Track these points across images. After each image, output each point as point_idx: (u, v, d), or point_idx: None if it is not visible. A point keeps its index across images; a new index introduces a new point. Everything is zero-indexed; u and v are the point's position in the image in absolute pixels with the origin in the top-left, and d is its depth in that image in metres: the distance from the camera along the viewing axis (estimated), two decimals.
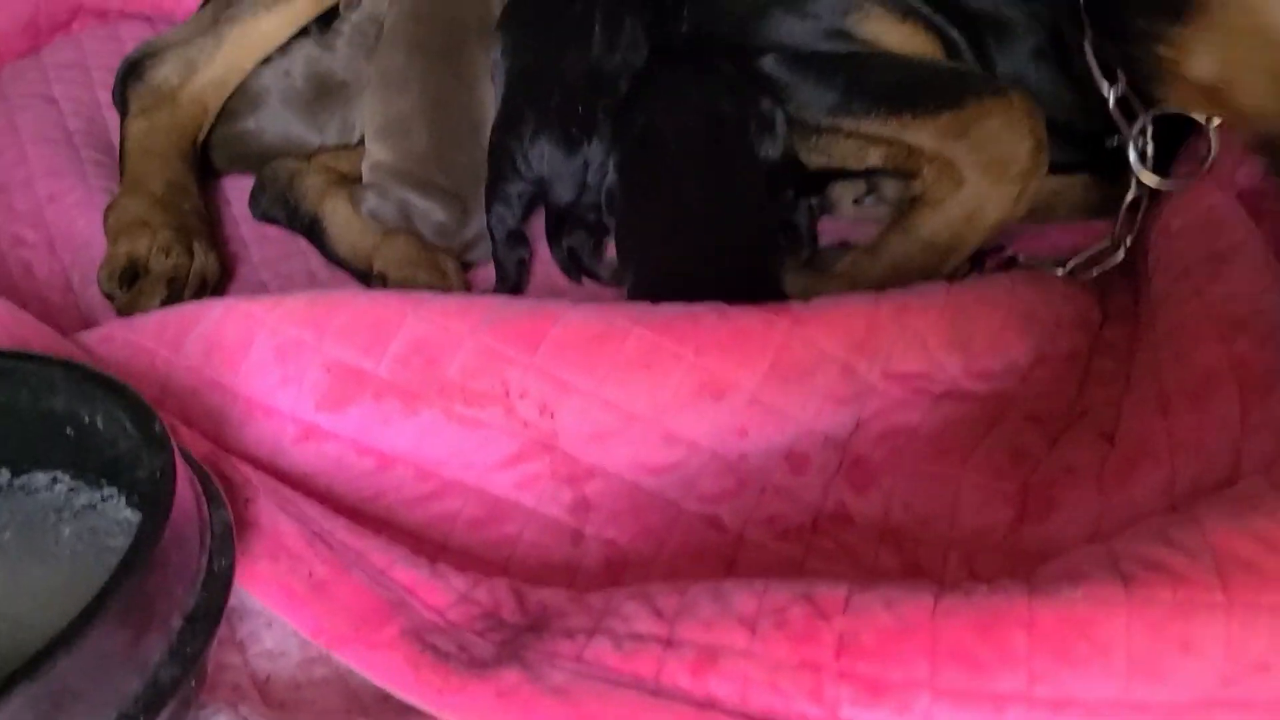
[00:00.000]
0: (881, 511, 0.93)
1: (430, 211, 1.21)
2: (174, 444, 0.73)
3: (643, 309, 0.97)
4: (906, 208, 1.14)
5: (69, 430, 0.78)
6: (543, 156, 1.19)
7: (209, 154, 1.35)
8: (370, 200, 1.21)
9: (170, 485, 0.69)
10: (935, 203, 1.11)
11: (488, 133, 1.24)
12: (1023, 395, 1.00)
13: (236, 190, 1.36)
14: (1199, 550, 0.70)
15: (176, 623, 0.67)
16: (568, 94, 1.20)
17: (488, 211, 1.21)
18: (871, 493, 0.94)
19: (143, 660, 0.65)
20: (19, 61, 1.53)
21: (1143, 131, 1.09)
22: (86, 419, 0.77)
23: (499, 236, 1.21)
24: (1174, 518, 0.75)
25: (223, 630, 0.88)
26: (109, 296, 1.16)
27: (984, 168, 1.09)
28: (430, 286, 1.14)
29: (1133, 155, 1.09)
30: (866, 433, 0.96)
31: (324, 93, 1.32)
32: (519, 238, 1.22)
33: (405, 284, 1.14)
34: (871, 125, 1.14)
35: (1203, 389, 0.90)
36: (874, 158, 1.17)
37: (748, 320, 0.95)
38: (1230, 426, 0.87)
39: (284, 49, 1.33)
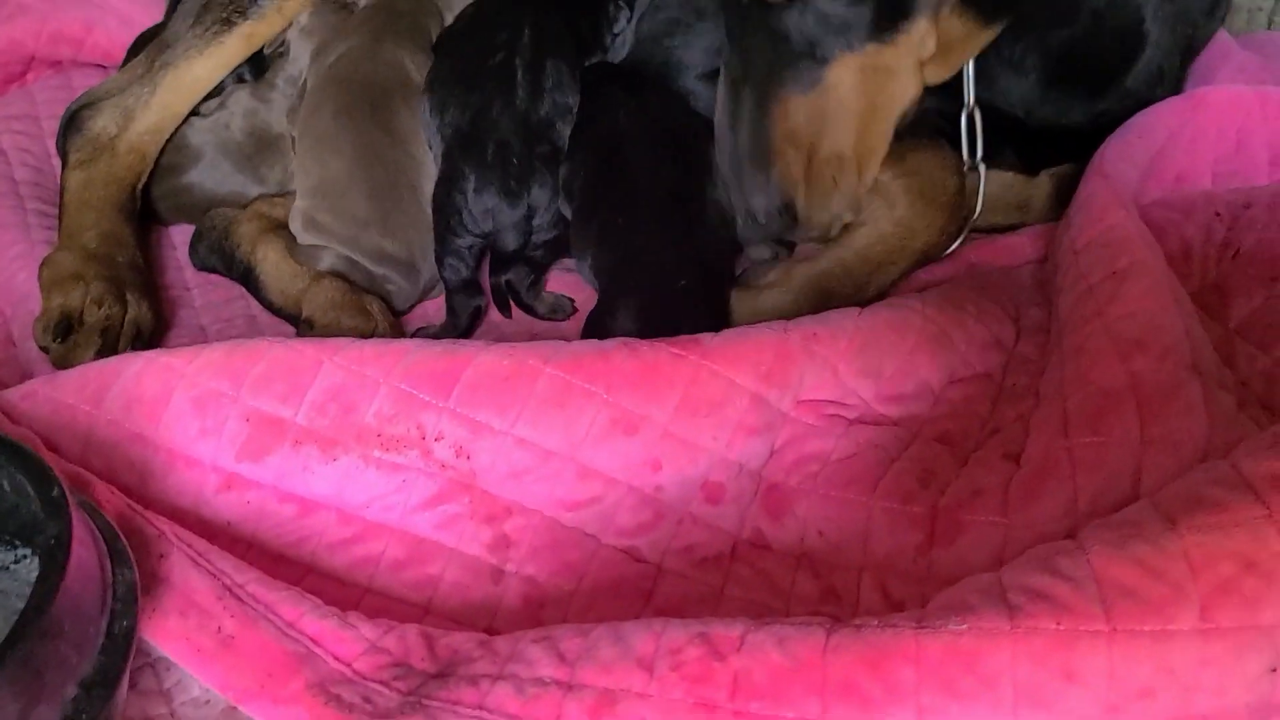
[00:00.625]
0: (797, 538, 0.93)
1: (386, 279, 1.21)
2: (72, 508, 0.72)
3: (553, 348, 0.96)
4: (842, 231, 1.13)
5: None
6: (487, 210, 1.18)
7: (153, 205, 1.35)
8: (306, 252, 1.21)
9: (64, 554, 0.68)
10: (870, 219, 1.13)
11: (426, 188, 1.23)
12: (934, 417, 1.00)
13: (182, 235, 1.36)
14: (1083, 579, 0.69)
15: (71, 691, 0.66)
16: (502, 147, 1.20)
17: (439, 265, 1.21)
18: (787, 519, 0.94)
19: None
20: None
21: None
22: None
23: (453, 287, 1.20)
24: (1062, 544, 0.74)
25: (148, 680, 0.87)
26: (44, 349, 1.15)
27: (917, 192, 1.13)
28: (356, 330, 1.13)
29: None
30: (780, 460, 0.96)
31: (263, 145, 1.32)
32: (473, 287, 1.22)
33: (330, 329, 1.13)
34: None
35: (1103, 408, 0.90)
36: None
37: (656, 356, 0.96)
38: (1130, 444, 0.87)
39: (222, 102, 1.34)
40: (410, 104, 1.26)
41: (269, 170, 1.32)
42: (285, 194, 1.31)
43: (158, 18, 1.48)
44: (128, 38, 1.52)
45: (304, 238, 1.21)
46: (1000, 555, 0.87)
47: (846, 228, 1.13)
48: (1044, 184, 1.24)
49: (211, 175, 1.32)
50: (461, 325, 1.20)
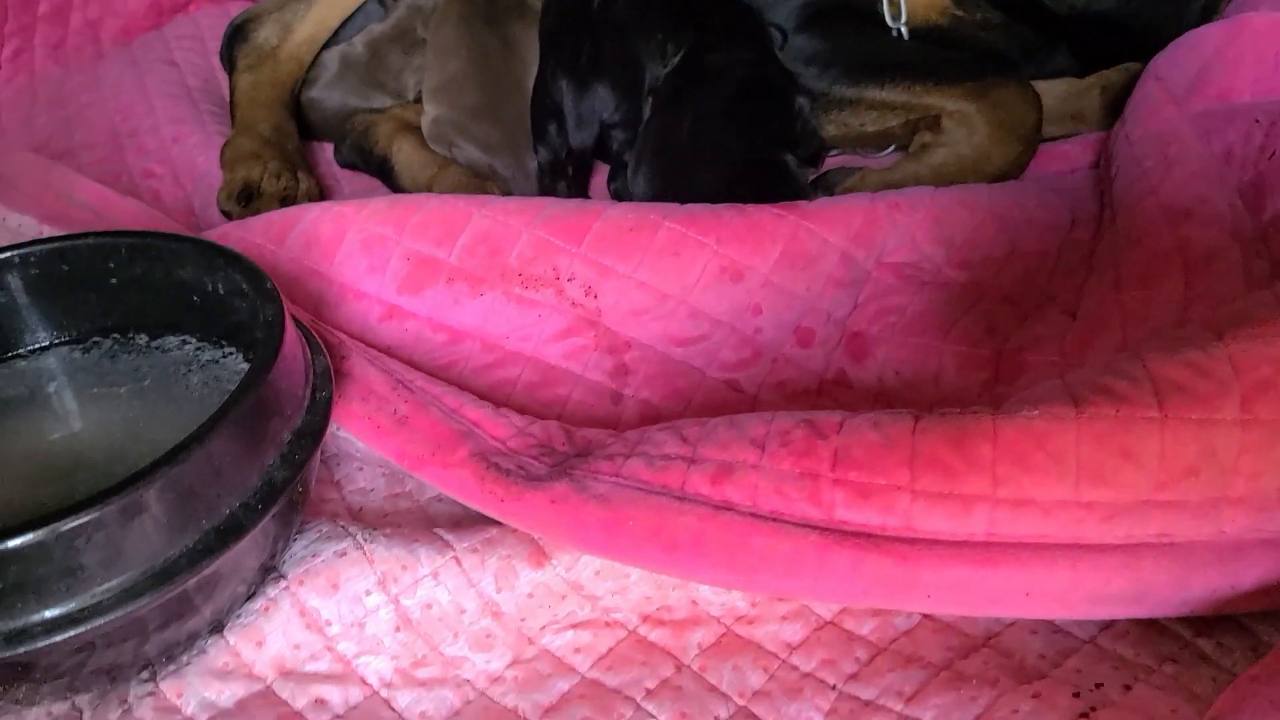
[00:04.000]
0: (875, 378, 0.97)
1: (493, 167, 1.22)
2: (283, 299, 0.77)
3: (672, 207, 0.99)
4: (918, 149, 1.15)
5: (196, 299, 0.82)
6: (562, 94, 1.19)
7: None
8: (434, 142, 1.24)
9: (280, 326, 0.74)
10: (950, 143, 1.12)
11: (529, 89, 1.25)
12: (997, 283, 1.02)
13: (324, 149, 1.38)
14: (1139, 377, 0.72)
15: (286, 436, 0.72)
16: (578, 40, 1.21)
17: (535, 150, 1.22)
18: (867, 362, 0.97)
19: (259, 463, 0.70)
20: (145, 35, 1.57)
21: None
22: (210, 287, 0.81)
23: (543, 167, 1.22)
24: (1120, 355, 0.78)
25: (321, 472, 0.93)
26: (226, 214, 1.18)
27: (998, 123, 1.12)
28: None
29: None
30: (863, 311, 0.99)
31: (380, 56, 1.34)
32: (559, 169, 1.22)
33: None
34: (895, 92, 1.15)
35: (1153, 268, 0.92)
36: (893, 122, 1.17)
37: (761, 215, 0.99)
38: (1175, 299, 0.89)
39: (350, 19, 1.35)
40: (526, 18, 1.28)
41: (383, 80, 1.32)
42: (417, 101, 1.32)
43: None
44: None
45: (429, 130, 1.24)
46: None
47: (924, 146, 1.14)
48: (1095, 94, 1.25)
49: (337, 89, 1.34)
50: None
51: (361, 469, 0.91)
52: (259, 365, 0.71)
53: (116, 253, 0.81)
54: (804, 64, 1.20)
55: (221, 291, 0.81)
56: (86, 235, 0.82)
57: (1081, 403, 0.72)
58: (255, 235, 1.02)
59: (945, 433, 0.73)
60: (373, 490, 0.90)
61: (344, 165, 1.34)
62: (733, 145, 1.09)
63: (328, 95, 1.36)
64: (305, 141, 1.37)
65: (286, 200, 1.18)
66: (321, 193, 1.26)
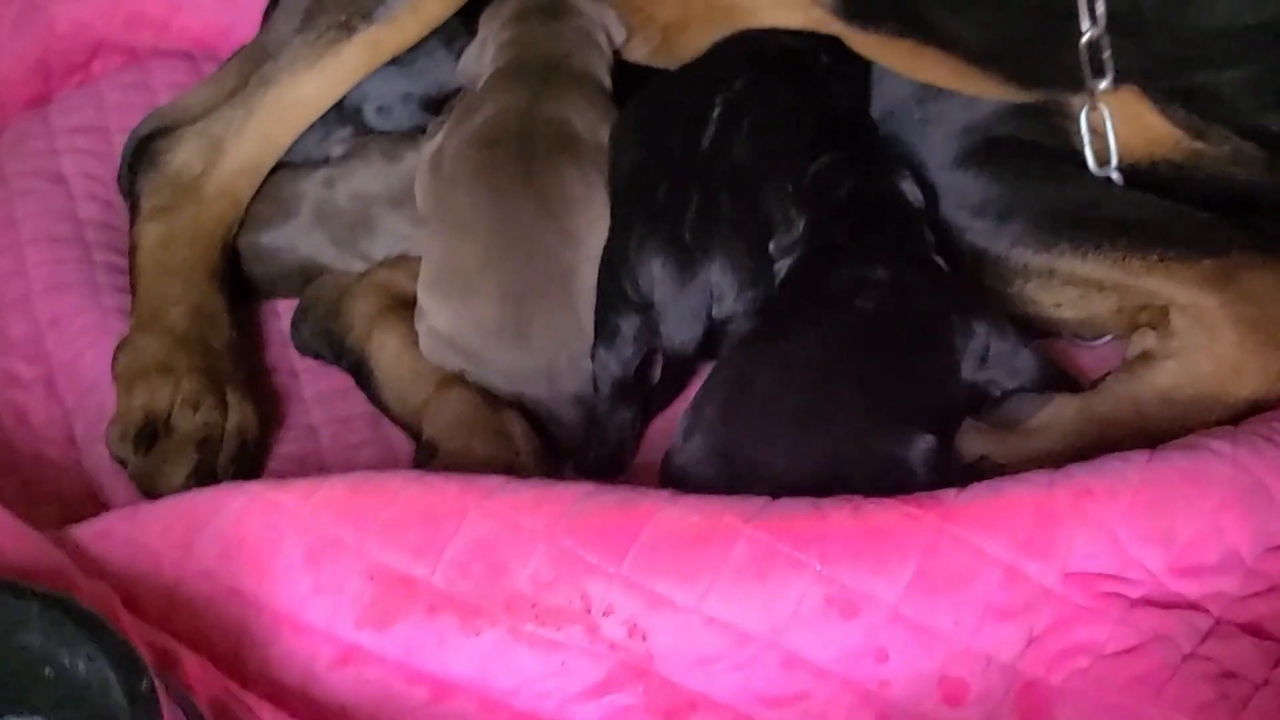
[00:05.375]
0: None
1: (521, 399, 1.12)
2: (161, 706, 0.71)
3: (755, 504, 0.91)
4: (1136, 360, 1.05)
5: (47, 671, 0.77)
6: (652, 276, 1.09)
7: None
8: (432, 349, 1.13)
9: None
10: (1182, 352, 1.03)
11: (585, 275, 1.13)
12: (1243, 597, 0.91)
13: (274, 314, 1.28)
14: None
15: None
16: (676, 190, 1.11)
17: (592, 356, 1.11)
18: None
19: None
20: (24, 120, 1.44)
21: None
22: (66, 663, 0.76)
23: (603, 389, 1.10)
24: None
25: None
26: (121, 461, 1.09)
27: (1250, 324, 1.02)
28: (490, 460, 1.04)
29: None
30: (1040, 651, 0.90)
31: (368, 218, 1.24)
32: (628, 392, 1.11)
33: (460, 456, 1.05)
34: (1103, 266, 1.08)
35: None
36: (1100, 308, 1.10)
37: (885, 516, 0.90)
38: None
39: (341, 159, 1.25)
40: (577, 164, 1.16)
41: (372, 247, 1.23)
42: (415, 258, 1.20)
43: None
44: (225, 20, 1.47)
45: (425, 344, 1.13)
46: None
47: (1144, 357, 1.04)
48: None
49: (302, 240, 1.24)
50: (610, 445, 1.10)
51: None
52: None
53: None
54: (970, 213, 1.13)
55: (82, 672, 0.76)
56: None
57: None
58: (151, 536, 0.94)
59: None
60: None
61: (303, 351, 1.24)
62: (840, 414, 1.00)
63: (283, 243, 1.26)
64: (245, 303, 1.27)
65: (207, 443, 1.09)
66: (263, 418, 1.15)
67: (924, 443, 0.99)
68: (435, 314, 1.13)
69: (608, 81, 1.25)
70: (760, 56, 1.21)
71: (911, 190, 1.14)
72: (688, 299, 1.09)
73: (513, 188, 1.14)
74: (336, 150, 1.28)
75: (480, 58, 1.25)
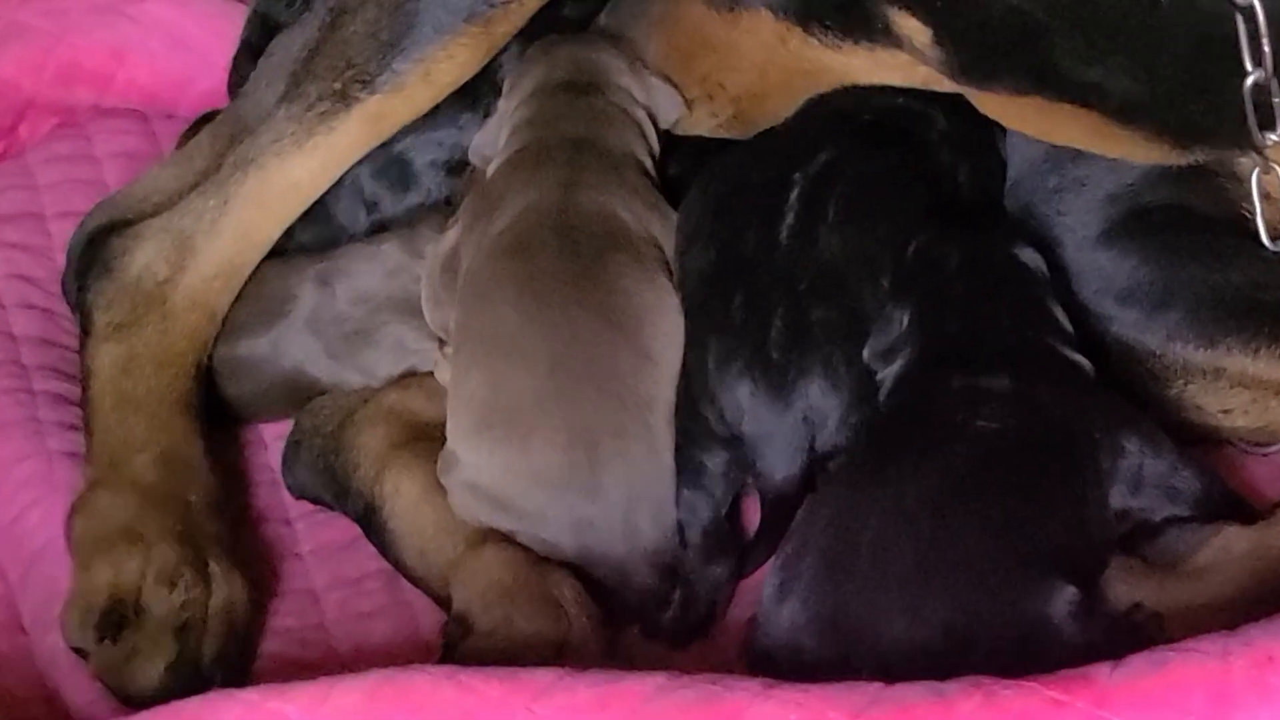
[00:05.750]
0: None
1: (588, 555, 1.03)
2: None
3: (866, 694, 0.84)
4: None
5: None
6: (739, 404, 1.03)
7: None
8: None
9: None
10: None
11: (663, 405, 1.06)
12: None
13: (275, 427, 1.20)
14: None
15: None
16: (756, 299, 1.05)
17: (676, 501, 1.05)
18: None
19: None
20: None
21: None
22: None
23: (692, 539, 1.03)
24: None
25: None
26: (80, 652, 1.00)
27: None
28: (537, 639, 0.97)
29: None
30: None
31: (369, 331, 1.16)
32: (720, 542, 1.04)
33: (500, 633, 0.97)
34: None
35: None
36: (1278, 415, 1.06)
37: (1025, 704, 0.83)
38: None
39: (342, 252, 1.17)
40: (638, 263, 1.09)
41: (377, 361, 1.16)
42: (429, 374, 1.14)
43: (233, 37, 1.32)
44: (181, 71, 1.40)
45: (458, 500, 1.05)
46: None
47: None
48: None
49: (290, 350, 1.16)
50: (700, 607, 1.02)
51: None
52: None
53: None
54: (1117, 300, 1.07)
55: None
56: None
57: None
58: None
59: None
60: None
61: (298, 494, 1.16)
62: (966, 566, 0.93)
63: (266, 354, 1.17)
64: (222, 431, 1.17)
65: (187, 629, 1.00)
66: (249, 602, 1.05)
67: (1067, 595, 0.92)
68: (479, 467, 1.04)
69: (651, 166, 1.18)
70: (848, 121, 1.15)
71: (1033, 259, 1.07)
72: (785, 428, 1.03)
73: (567, 299, 1.05)
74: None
75: (497, 137, 1.17)
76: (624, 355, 1.05)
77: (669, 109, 1.19)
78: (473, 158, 1.20)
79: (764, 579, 0.98)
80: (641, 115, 1.18)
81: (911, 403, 1.02)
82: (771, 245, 1.07)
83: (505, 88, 1.20)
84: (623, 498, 1.03)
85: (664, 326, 1.06)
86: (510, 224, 1.09)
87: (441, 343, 1.14)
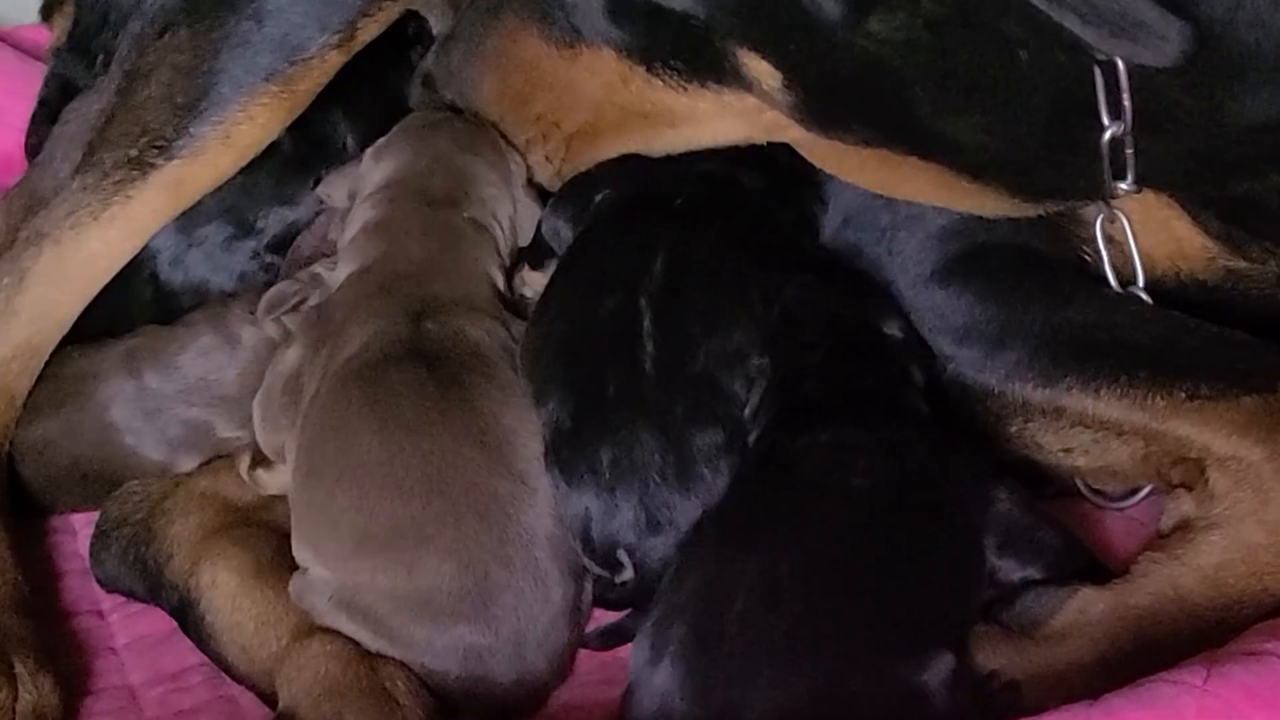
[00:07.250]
0: None
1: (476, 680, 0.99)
2: None
3: None
4: (1174, 534, 0.95)
5: None
6: (630, 547, 1.01)
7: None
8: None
9: None
10: (1225, 522, 0.93)
11: (544, 528, 1.03)
12: None
13: (66, 534, 1.16)
14: None
15: None
16: (626, 453, 1.01)
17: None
18: None
19: None
20: None
21: None
22: None
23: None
24: None
25: None
26: None
27: None
28: None
29: None
30: None
31: (179, 411, 1.12)
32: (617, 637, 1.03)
33: None
34: (1120, 406, 0.99)
35: None
36: (1120, 455, 1.00)
37: None
38: None
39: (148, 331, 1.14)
40: (499, 387, 1.05)
41: (183, 447, 1.12)
42: (237, 451, 1.09)
43: (30, 96, 1.30)
44: None
45: (321, 610, 1.00)
46: None
47: (1182, 529, 0.95)
48: None
49: (88, 433, 1.12)
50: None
51: None
52: None
53: None
54: (954, 340, 1.04)
55: None
56: None
57: None
58: None
59: None
60: None
61: (108, 587, 1.10)
62: (838, 638, 0.89)
63: (60, 435, 1.12)
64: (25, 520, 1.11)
65: None
66: (61, 705, 0.99)
67: (945, 662, 0.88)
68: (358, 588, 1.00)
69: (501, 280, 1.16)
70: (663, 211, 1.11)
71: (890, 325, 1.06)
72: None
73: (432, 423, 1.01)
74: None
75: (344, 231, 1.14)
76: (500, 481, 1.01)
77: (528, 226, 1.16)
78: (321, 192, 1.18)
79: (632, 645, 0.96)
80: (498, 230, 1.15)
81: (781, 460, 0.99)
82: (637, 380, 1.03)
83: (368, 154, 1.18)
84: (512, 631, 1.00)
85: (534, 448, 1.03)
86: (359, 350, 1.06)
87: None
